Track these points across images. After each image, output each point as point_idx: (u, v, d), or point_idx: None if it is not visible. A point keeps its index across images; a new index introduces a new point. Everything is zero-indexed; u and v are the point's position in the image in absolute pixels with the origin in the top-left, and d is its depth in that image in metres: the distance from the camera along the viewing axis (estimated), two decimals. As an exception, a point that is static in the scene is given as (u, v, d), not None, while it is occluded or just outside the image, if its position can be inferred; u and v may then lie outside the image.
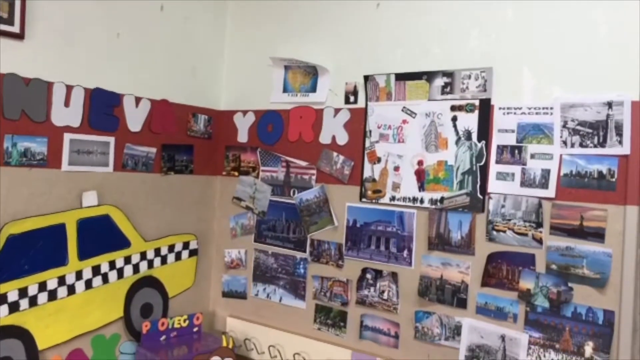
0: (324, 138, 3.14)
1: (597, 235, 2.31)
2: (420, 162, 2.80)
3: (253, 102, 3.47)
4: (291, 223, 3.26)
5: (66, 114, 2.77)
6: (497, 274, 2.56)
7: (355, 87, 3.04)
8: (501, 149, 2.57)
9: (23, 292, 2.63)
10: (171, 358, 2.97)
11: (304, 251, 3.21)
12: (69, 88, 2.78)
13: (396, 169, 2.87)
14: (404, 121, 2.86)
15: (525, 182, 2.49)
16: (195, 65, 3.46)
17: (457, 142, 2.70)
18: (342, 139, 3.08)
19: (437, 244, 2.73)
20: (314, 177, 3.18)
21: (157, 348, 3.05)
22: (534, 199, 2.46)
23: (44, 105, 2.69)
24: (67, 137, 2.78)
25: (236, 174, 3.53)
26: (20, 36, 2.57)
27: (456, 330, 2.67)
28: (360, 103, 3.02)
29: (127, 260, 3.07)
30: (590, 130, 2.35)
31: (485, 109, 2.62)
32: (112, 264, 3.00)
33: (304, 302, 3.21)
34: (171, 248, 3.33)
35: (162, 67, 3.25)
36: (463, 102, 2.68)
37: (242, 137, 3.51)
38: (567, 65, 2.42)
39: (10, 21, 2.54)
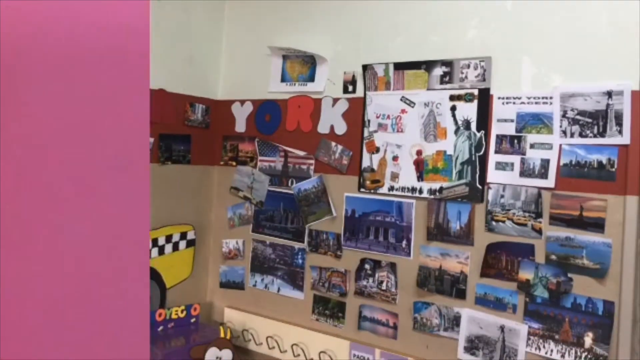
0: (322, 128, 3.12)
1: (597, 225, 2.30)
2: (419, 152, 2.78)
3: (251, 92, 3.45)
4: (289, 213, 3.25)
5: (62, 103, 2.75)
6: (496, 264, 2.55)
7: (353, 76, 3.02)
8: (500, 138, 2.55)
9: (19, 283, 2.62)
10: (168, 349, 2.96)
11: (302, 241, 3.19)
12: (65, 77, 2.75)
13: (395, 158, 2.86)
14: (403, 111, 2.84)
15: (525, 172, 2.48)
16: (193, 54, 3.43)
17: (456, 132, 2.68)
18: (341, 128, 3.06)
19: (436, 234, 2.72)
20: (312, 167, 3.16)
21: (155, 339, 3.03)
22: (534, 189, 2.45)
23: (40, 95, 2.66)
24: (63, 126, 2.76)
25: (234, 163, 3.51)
26: (14, 24, 2.54)
27: (455, 321, 2.67)
28: (359, 92, 2.99)
29: (125, 250, 3.05)
30: (590, 120, 2.33)
31: (484, 99, 2.60)
32: (109, 255, 2.98)
33: (302, 292, 3.20)
34: (168, 238, 3.31)
35: (159, 56, 3.20)
36: (462, 92, 2.66)
37: (240, 126, 3.49)
38: (566, 54, 2.40)
39: (4, 9, 2.51)
